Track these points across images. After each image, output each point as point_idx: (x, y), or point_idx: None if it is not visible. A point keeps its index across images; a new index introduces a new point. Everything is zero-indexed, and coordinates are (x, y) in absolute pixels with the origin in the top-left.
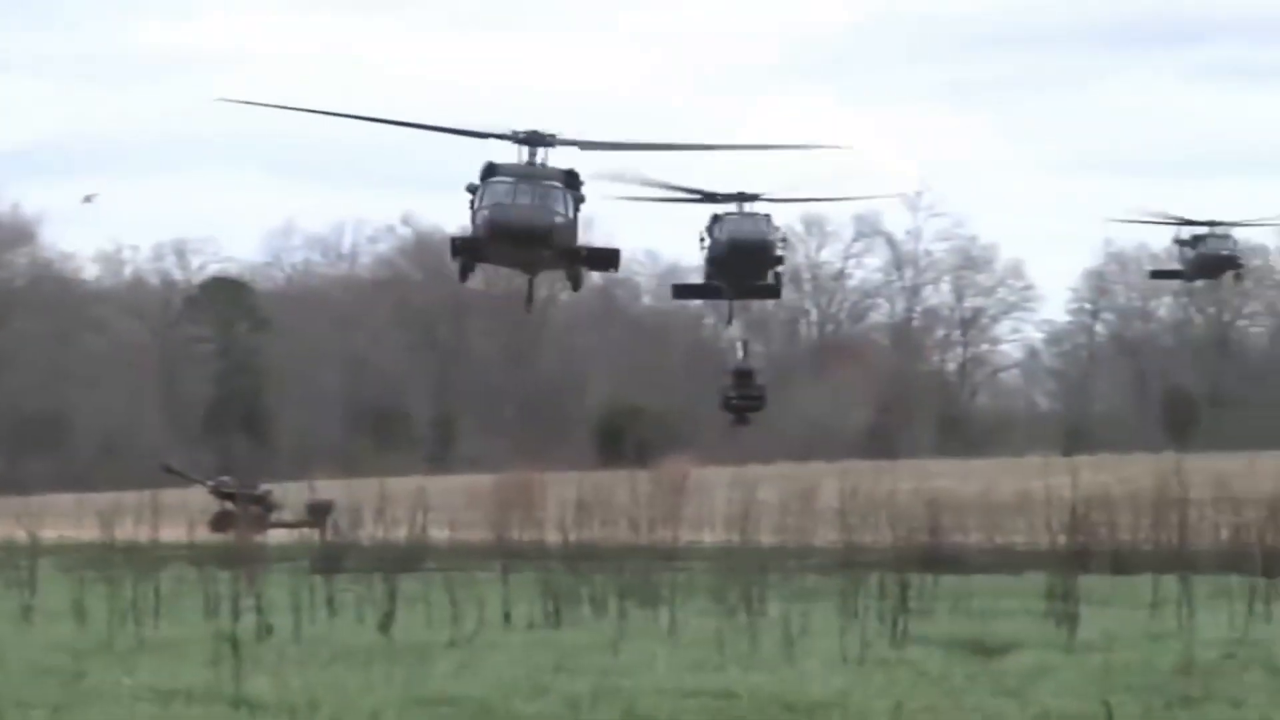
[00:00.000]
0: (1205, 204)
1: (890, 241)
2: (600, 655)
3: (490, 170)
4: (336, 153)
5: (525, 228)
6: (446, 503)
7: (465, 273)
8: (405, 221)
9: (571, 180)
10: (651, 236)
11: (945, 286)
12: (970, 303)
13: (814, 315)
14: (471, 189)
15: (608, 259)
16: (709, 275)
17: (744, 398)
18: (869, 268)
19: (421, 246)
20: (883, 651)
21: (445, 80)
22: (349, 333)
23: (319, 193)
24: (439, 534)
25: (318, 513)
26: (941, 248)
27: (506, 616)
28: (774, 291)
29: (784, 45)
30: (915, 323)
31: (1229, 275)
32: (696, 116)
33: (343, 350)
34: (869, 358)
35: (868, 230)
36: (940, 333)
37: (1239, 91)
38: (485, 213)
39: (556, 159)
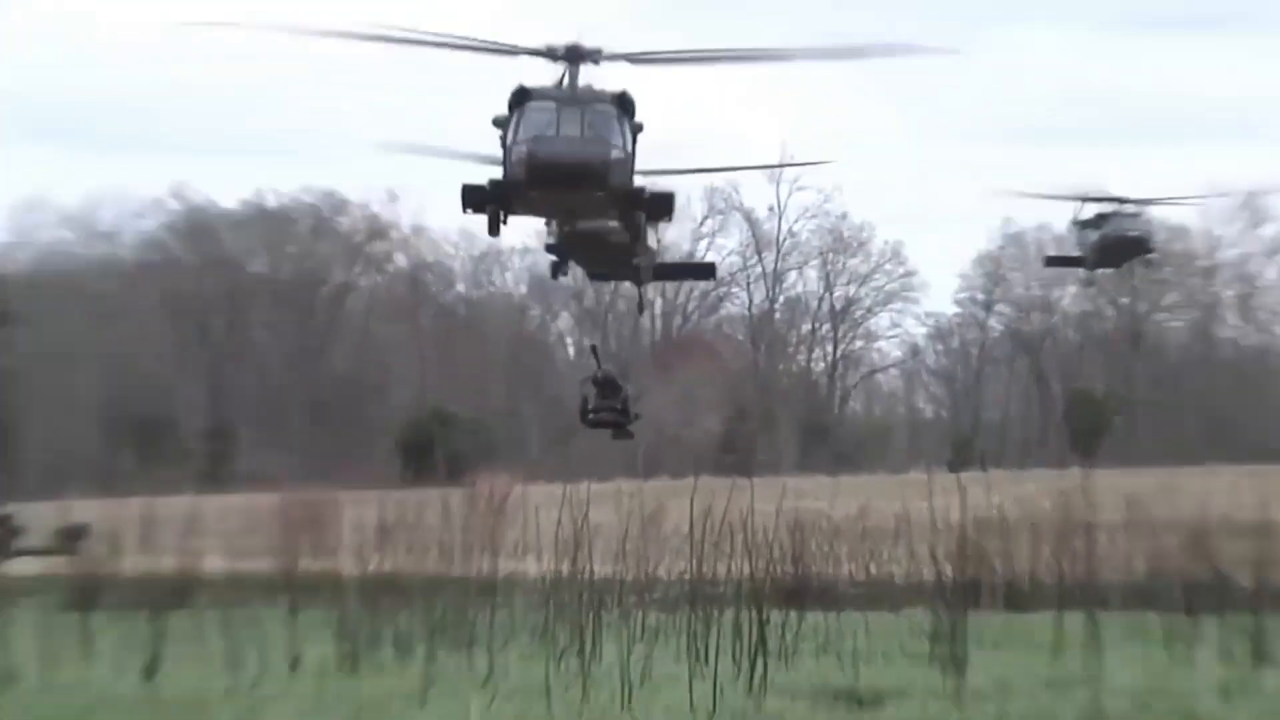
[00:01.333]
0: (1118, 177)
1: (748, 219)
2: (405, 706)
3: (523, 95)
4: (93, 110)
5: (574, 164)
6: (223, 527)
7: (497, 225)
8: (175, 195)
9: (625, 104)
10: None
11: (812, 273)
12: (841, 291)
13: (658, 306)
14: (499, 122)
15: (665, 205)
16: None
17: (607, 410)
18: (723, 250)
19: (194, 225)
20: (738, 702)
21: None
22: (108, 326)
23: (73, 159)
24: (214, 564)
25: (70, 538)
26: (808, 227)
27: (295, 661)
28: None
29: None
30: (777, 315)
31: (1138, 262)
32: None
33: (101, 347)
34: (723, 356)
35: (722, 206)
36: (806, 327)
37: (1160, 47)
38: (521, 148)
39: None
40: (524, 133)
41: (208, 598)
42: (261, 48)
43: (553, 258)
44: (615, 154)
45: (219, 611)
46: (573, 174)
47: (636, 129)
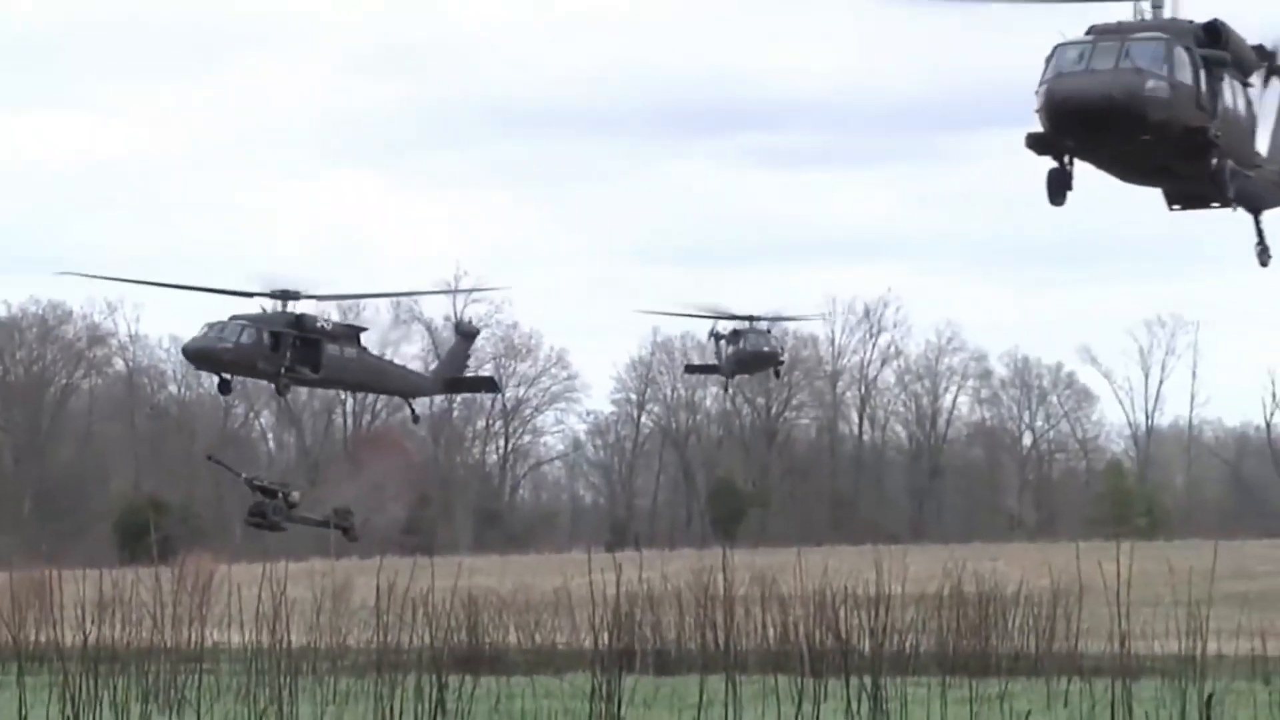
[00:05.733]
0: (759, 293)
1: (428, 329)
2: None
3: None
4: None
5: (1097, 101)
6: None
7: (1060, 186)
8: None
9: (1203, 34)
10: (181, 324)
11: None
12: (512, 393)
13: (349, 405)
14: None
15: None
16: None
17: (261, 518)
18: (406, 355)
19: None
20: None
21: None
22: None
23: None
24: None
25: None
26: (483, 336)
27: None
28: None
29: (326, 127)
30: (455, 413)
31: (768, 372)
32: (230, 201)
33: None
34: (407, 449)
35: (405, 317)
36: (481, 423)
37: (798, 180)
38: (1041, 90)
39: None
40: (1048, 72)
41: None
42: None
43: None
44: (1154, 86)
45: None
46: (1099, 112)
47: (1220, 62)
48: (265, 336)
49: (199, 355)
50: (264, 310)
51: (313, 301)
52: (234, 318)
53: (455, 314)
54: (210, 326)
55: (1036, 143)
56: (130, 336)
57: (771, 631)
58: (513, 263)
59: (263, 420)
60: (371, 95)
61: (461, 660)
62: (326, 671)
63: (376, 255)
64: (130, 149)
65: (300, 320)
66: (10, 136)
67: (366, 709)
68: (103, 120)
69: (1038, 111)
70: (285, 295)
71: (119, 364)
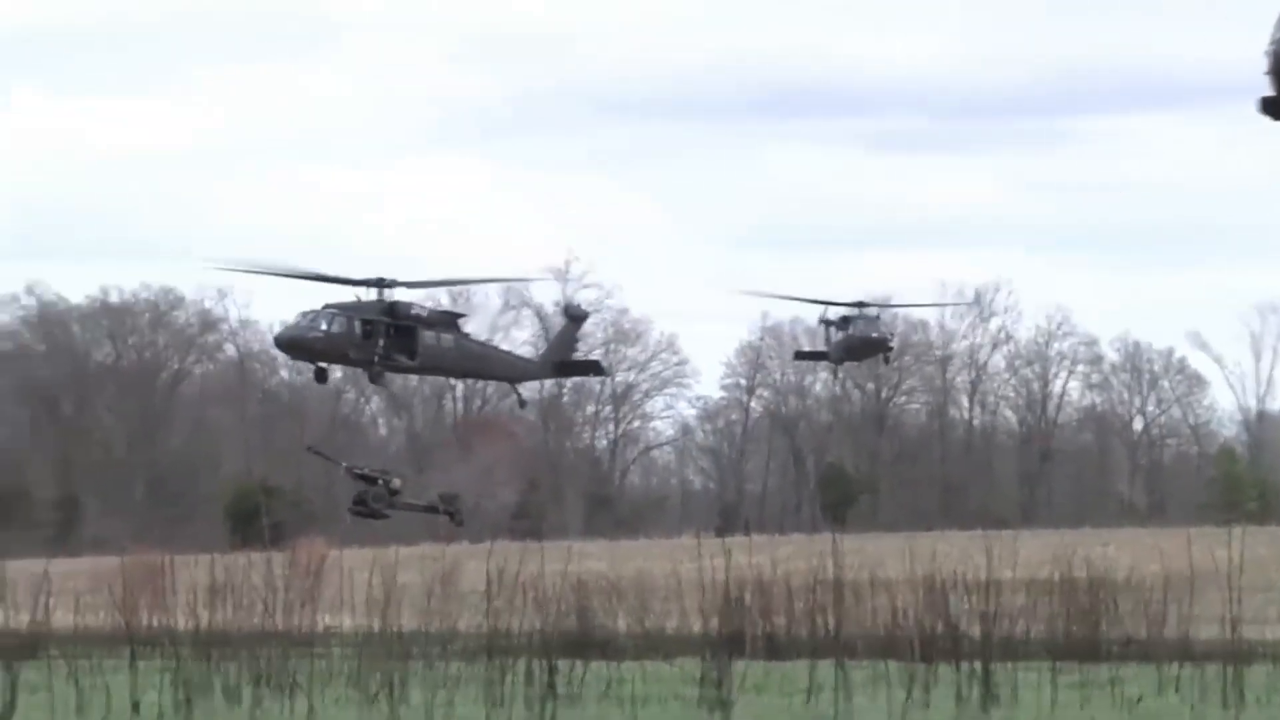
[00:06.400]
0: (870, 278)
1: (539, 314)
2: None
3: None
4: None
5: None
6: (70, 586)
7: None
8: (29, 291)
9: None
10: (293, 310)
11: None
12: (622, 378)
13: (459, 390)
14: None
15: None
16: None
17: (364, 506)
18: (516, 340)
19: (46, 317)
20: None
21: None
22: None
23: None
24: (62, 619)
25: None
26: (592, 321)
27: (135, 706)
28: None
29: (431, 112)
30: (565, 398)
31: (877, 359)
32: (338, 185)
33: None
34: (516, 434)
35: (515, 302)
36: (590, 408)
37: (903, 164)
38: (1271, 49)
39: None
40: (1277, 31)
41: (56, 650)
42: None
43: None
44: None
45: (66, 662)
46: None
47: None
48: (356, 325)
49: (290, 344)
50: (358, 299)
51: (409, 289)
52: (326, 306)
53: (565, 299)
54: (302, 315)
55: (1271, 107)
56: (241, 322)
57: (881, 617)
58: (620, 249)
59: (373, 406)
60: (477, 82)
61: (571, 645)
62: (437, 656)
63: (483, 242)
64: (236, 135)
65: (394, 308)
66: (122, 123)
67: (477, 693)
68: (209, 106)
69: (1268, 74)
70: (381, 283)
71: (230, 349)
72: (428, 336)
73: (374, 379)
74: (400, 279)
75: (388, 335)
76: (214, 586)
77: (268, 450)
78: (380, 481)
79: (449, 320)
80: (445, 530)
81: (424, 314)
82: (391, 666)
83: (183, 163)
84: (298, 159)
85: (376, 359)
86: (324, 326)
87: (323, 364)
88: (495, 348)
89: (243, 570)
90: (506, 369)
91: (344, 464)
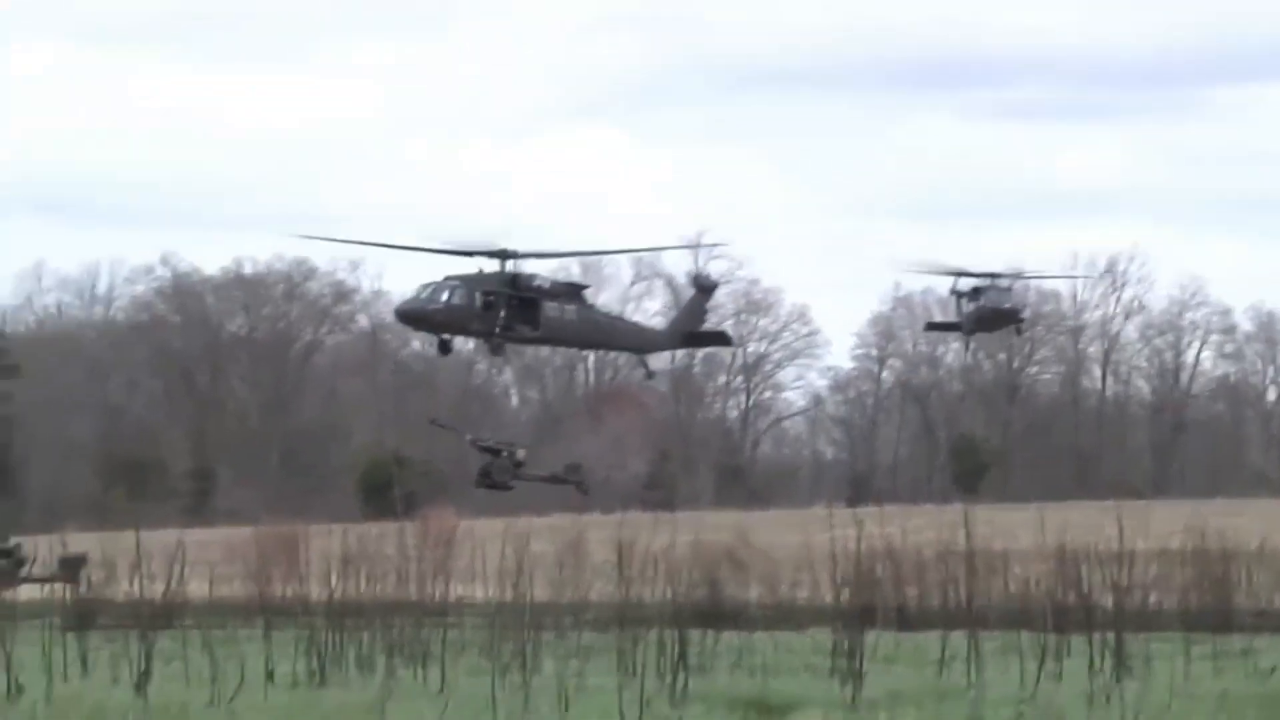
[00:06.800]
0: (1001, 248)
1: (670, 284)
2: (366, 716)
3: None
4: (92, 189)
5: None
6: (204, 556)
7: None
8: (164, 262)
9: None
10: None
11: (727, 331)
12: (753, 348)
13: (590, 361)
14: None
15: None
16: None
17: (488, 478)
18: (648, 311)
19: (180, 289)
20: (662, 710)
21: (211, 110)
22: (103, 379)
23: (72, 231)
24: (197, 589)
25: (70, 567)
26: (723, 292)
27: (269, 675)
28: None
29: (563, 84)
30: (696, 369)
31: (1008, 330)
32: (474, 158)
33: (96, 398)
34: (647, 405)
35: (647, 273)
36: (721, 379)
37: (1035, 134)
38: None
39: None
40: None
41: (191, 620)
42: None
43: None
44: None
45: (201, 632)
46: None
47: None
48: (477, 296)
49: (410, 316)
50: (480, 270)
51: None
52: (447, 278)
53: (696, 269)
54: (423, 287)
55: None
56: (374, 293)
57: (1013, 588)
58: (752, 219)
59: (505, 376)
60: (612, 53)
61: (702, 615)
62: (569, 626)
63: (617, 213)
64: (371, 108)
65: (516, 279)
66: (258, 98)
67: (608, 663)
68: (344, 80)
69: None
70: (504, 254)
71: (362, 320)
72: (550, 308)
73: (494, 350)
74: (522, 250)
75: (509, 307)
76: (347, 556)
77: (399, 421)
78: (504, 453)
79: (573, 291)
80: (576, 501)
81: (546, 285)
82: (524, 636)
83: (321, 137)
84: (434, 132)
85: (497, 330)
86: (444, 298)
87: (444, 336)
88: (621, 318)
89: (375, 541)
90: (632, 340)
91: (468, 436)
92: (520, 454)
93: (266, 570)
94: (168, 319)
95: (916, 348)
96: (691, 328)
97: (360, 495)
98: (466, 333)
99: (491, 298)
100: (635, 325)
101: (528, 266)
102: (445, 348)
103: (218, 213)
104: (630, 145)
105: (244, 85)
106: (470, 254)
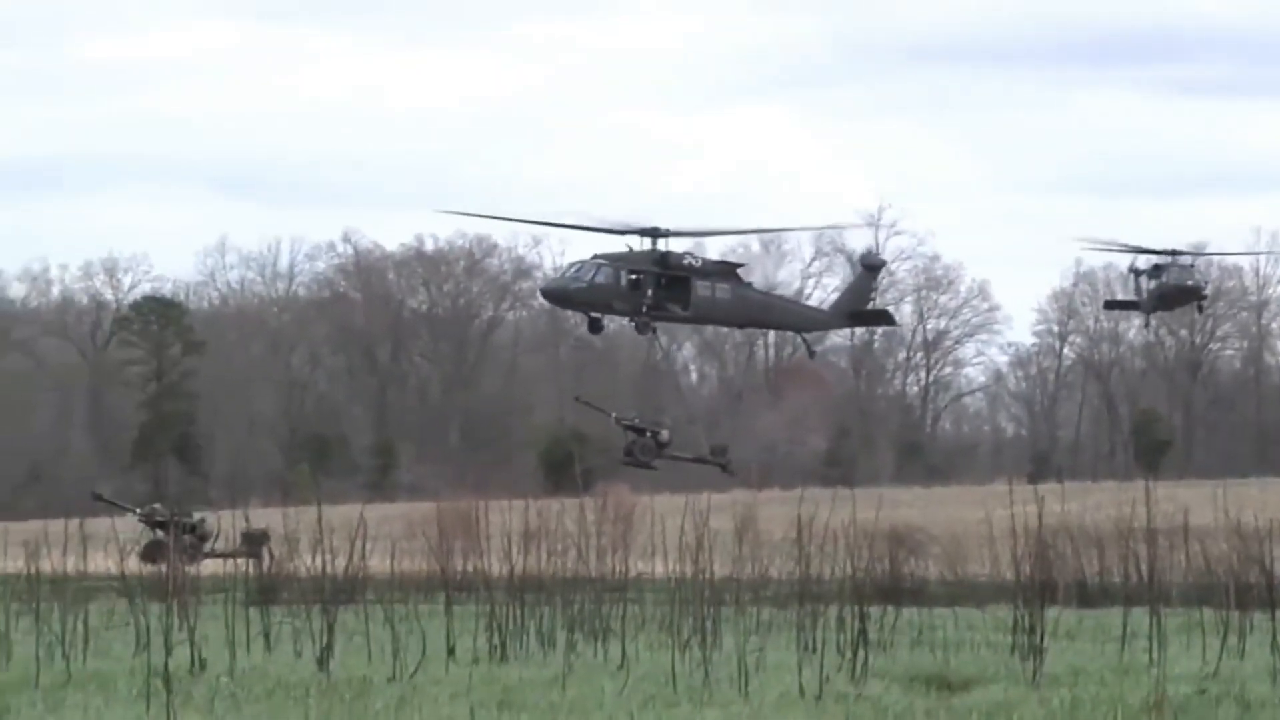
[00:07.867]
0: (1182, 225)
1: (850, 261)
2: (548, 691)
3: None
4: (274, 168)
5: None
6: (386, 531)
7: None
8: (345, 239)
9: None
10: None
11: (907, 307)
12: (933, 324)
13: (770, 337)
14: None
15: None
16: None
17: (631, 457)
18: (828, 288)
19: (362, 265)
20: (841, 686)
21: (385, 89)
22: (286, 355)
23: (255, 209)
24: (379, 564)
25: (253, 542)
26: (904, 267)
27: (450, 650)
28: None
29: (739, 60)
30: (875, 345)
31: (1190, 308)
32: (646, 133)
33: (279, 373)
34: (827, 382)
35: (827, 249)
36: (901, 355)
37: (1217, 110)
38: None
39: None
40: None
41: (373, 595)
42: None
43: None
44: None
45: (382, 606)
46: None
47: None
48: (623, 275)
49: (555, 295)
50: (629, 249)
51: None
52: (595, 257)
53: (877, 246)
54: (570, 266)
55: None
56: (555, 269)
57: (1195, 565)
58: (932, 195)
59: (685, 352)
60: (786, 29)
61: (882, 591)
62: (748, 602)
63: (797, 189)
64: (542, 84)
65: (665, 258)
66: (438, 75)
67: (789, 639)
68: (523, 59)
69: None
70: (655, 233)
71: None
72: (701, 286)
73: (640, 329)
74: (673, 229)
75: (658, 285)
76: (527, 532)
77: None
78: (648, 433)
79: (726, 270)
80: (758, 478)
81: (697, 264)
82: (704, 612)
83: (498, 114)
84: (612, 109)
85: (644, 309)
86: (588, 277)
87: (597, 314)
88: (780, 297)
89: (556, 516)
90: (791, 318)
91: (613, 414)
92: (664, 434)
93: (447, 545)
94: (349, 295)
95: (1098, 324)
96: (856, 307)
97: (541, 471)
98: (611, 311)
99: (637, 276)
100: (795, 304)
101: (709, 247)
102: (595, 326)
103: (395, 189)
104: (813, 120)
105: (426, 62)
106: (621, 233)
